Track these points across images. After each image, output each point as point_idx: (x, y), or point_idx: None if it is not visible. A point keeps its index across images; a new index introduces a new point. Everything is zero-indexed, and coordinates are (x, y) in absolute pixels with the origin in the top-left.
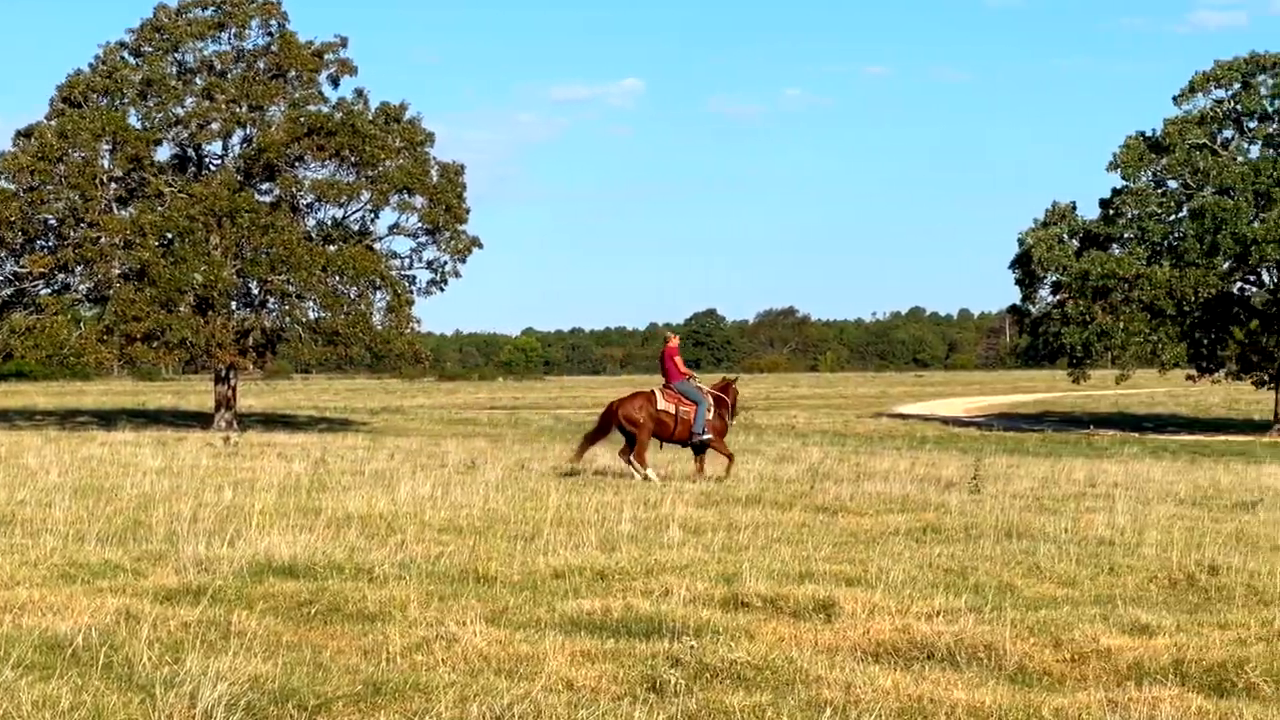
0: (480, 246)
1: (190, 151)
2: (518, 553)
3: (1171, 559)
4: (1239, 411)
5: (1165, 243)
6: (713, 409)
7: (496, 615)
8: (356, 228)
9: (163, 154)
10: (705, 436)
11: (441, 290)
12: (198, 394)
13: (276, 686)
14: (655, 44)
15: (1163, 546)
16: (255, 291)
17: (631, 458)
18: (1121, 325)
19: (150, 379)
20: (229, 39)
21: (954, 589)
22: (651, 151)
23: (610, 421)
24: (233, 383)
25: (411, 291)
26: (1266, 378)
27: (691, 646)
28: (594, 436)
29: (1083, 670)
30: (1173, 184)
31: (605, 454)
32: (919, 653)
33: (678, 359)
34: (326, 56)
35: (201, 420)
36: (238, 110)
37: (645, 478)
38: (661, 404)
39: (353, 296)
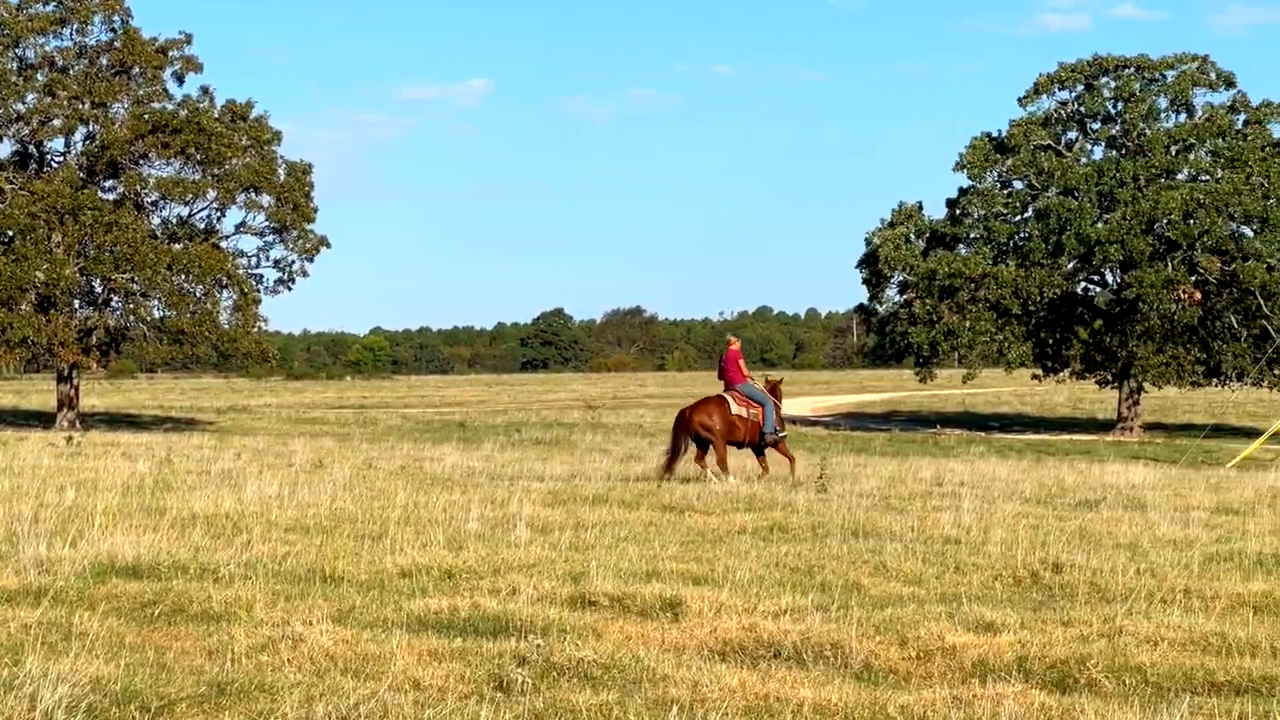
0: (328, 246)
1: (31, 148)
2: (365, 552)
3: (1016, 557)
4: (1083, 410)
5: (1011, 243)
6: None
7: (343, 615)
8: (202, 226)
9: (3, 151)
10: (780, 435)
11: (289, 289)
12: (40, 393)
13: (119, 688)
14: (503, 44)
15: (1008, 545)
16: (99, 290)
17: (712, 465)
18: (968, 325)
19: None
20: (71, 35)
21: (801, 588)
22: (500, 151)
23: (684, 431)
24: (75, 382)
25: (258, 290)
26: (1110, 377)
27: (538, 645)
28: (675, 449)
29: (928, 668)
30: (1018, 184)
31: (454, 453)
32: (766, 651)
33: (741, 362)
34: (171, 53)
35: (43, 420)
36: (80, 107)
37: (725, 483)
38: (734, 409)
39: (199, 295)
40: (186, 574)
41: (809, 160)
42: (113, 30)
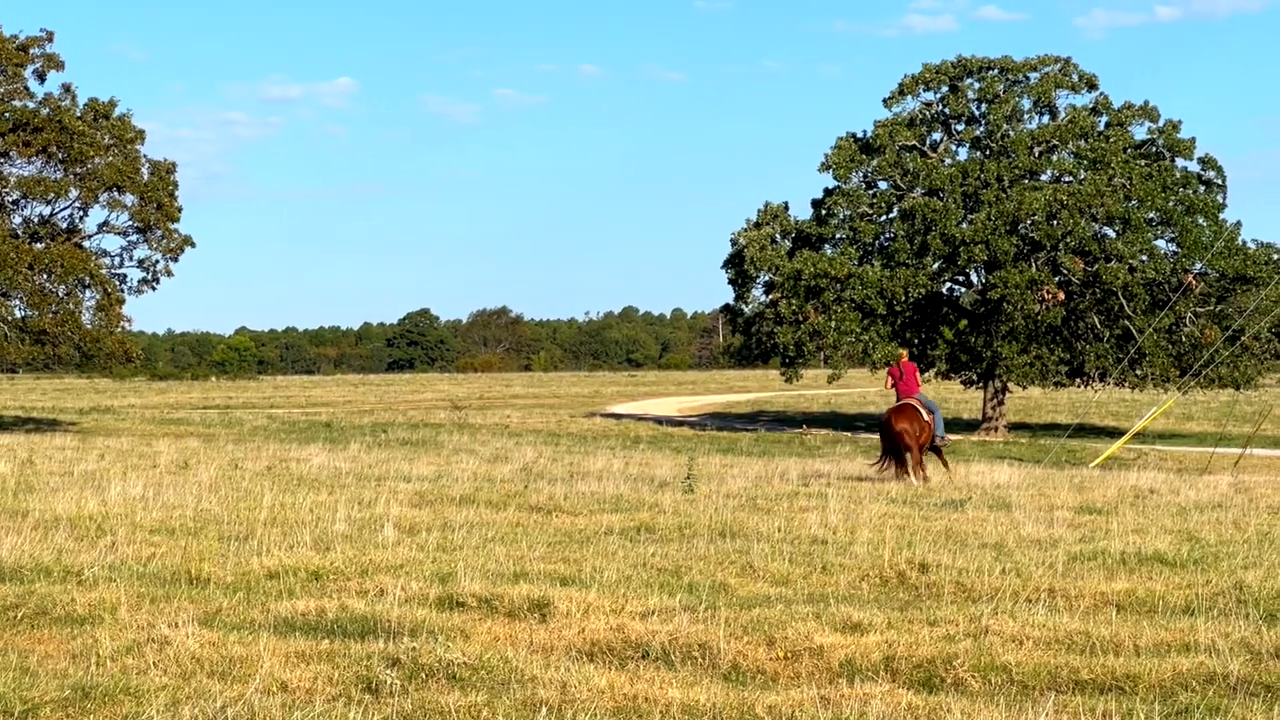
0: (193, 245)
1: None
2: (231, 554)
3: (883, 557)
4: (948, 410)
5: (876, 243)
6: None
7: (210, 617)
8: (65, 225)
9: None
10: (945, 438)
11: (153, 289)
12: None
13: None
14: (368, 44)
15: (874, 545)
16: None
17: (911, 467)
18: (833, 325)
19: None
20: None
21: (668, 588)
22: (365, 151)
23: (891, 433)
24: None
25: (122, 290)
26: (975, 377)
27: (407, 647)
28: (895, 452)
29: (796, 668)
30: (883, 185)
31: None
32: (634, 652)
33: (917, 373)
34: (32, 51)
35: None
36: None
37: (920, 484)
38: (924, 415)
39: (61, 295)
40: (50, 577)
41: (676, 160)
42: None
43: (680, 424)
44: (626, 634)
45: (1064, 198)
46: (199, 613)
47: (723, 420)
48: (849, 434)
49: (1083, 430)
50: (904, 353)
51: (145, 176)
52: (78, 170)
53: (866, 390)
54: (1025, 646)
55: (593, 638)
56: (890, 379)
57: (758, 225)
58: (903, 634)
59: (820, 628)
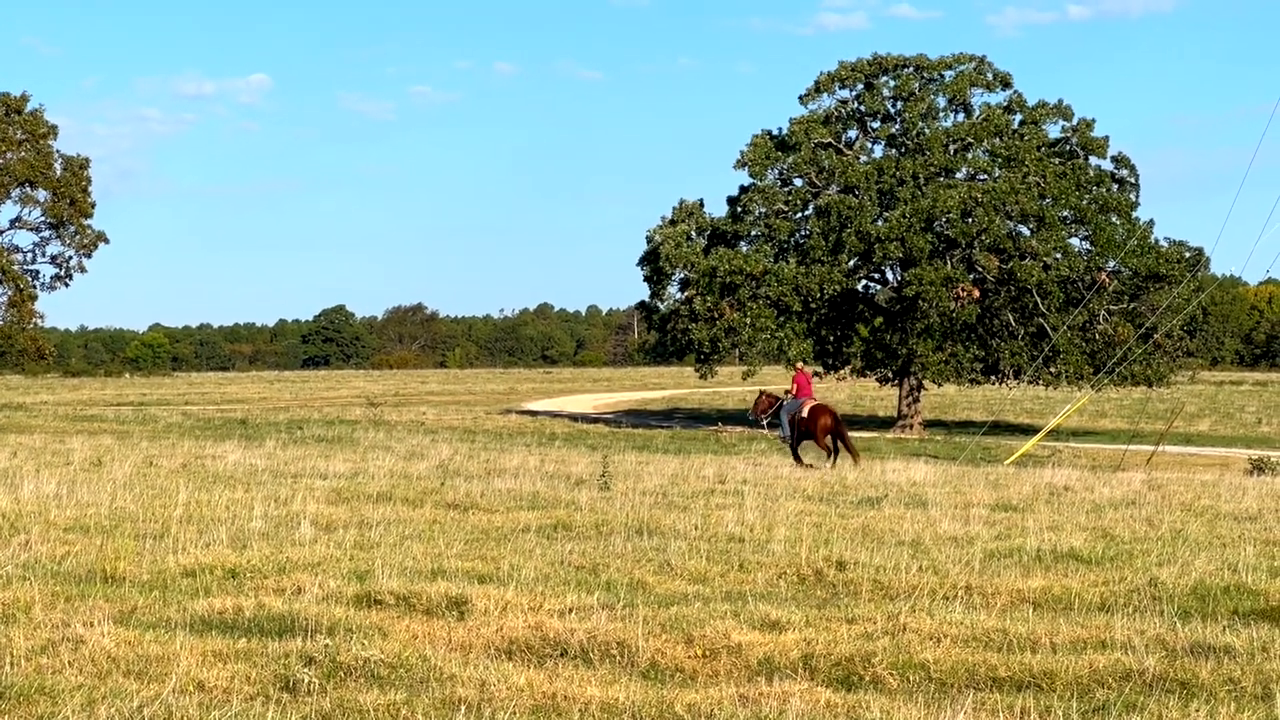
0: (106, 241)
1: None
2: (147, 551)
3: (800, 555)
4: (864, 408)
5: (792, 240)
6: None
7: (125, 616)
8: None
9: None
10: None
11: (66, 285)
12: None
13: None
14: (283, 40)
15: (791, 543)
16: None
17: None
18: (748, 322)
19: None
20: None
21: (586, 586)
22: (280, 147)
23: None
24: None
25: (35, 286)
26: (890, 374)
27: (325, 645)
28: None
29: (714, 666)
30: (799, 182)
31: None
32: (552, 650)
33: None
34: None
35: None
36: None
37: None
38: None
39: None
40: None
41: (591, 157)
42: None
43: (596, 421)
44: (545, 632)
45: (979, 195)
46: (114, 611)
47: (638, 417)
48: (764, 431)
49: (998, 427)
50: (802, 367)
51: (58, 172)
52: None
53: (782, 387)
54: (943, 644)
55: (511, 636)
56: (795, 385)
57: (673, 222)
58: (821, 632)
59: (738, 626)
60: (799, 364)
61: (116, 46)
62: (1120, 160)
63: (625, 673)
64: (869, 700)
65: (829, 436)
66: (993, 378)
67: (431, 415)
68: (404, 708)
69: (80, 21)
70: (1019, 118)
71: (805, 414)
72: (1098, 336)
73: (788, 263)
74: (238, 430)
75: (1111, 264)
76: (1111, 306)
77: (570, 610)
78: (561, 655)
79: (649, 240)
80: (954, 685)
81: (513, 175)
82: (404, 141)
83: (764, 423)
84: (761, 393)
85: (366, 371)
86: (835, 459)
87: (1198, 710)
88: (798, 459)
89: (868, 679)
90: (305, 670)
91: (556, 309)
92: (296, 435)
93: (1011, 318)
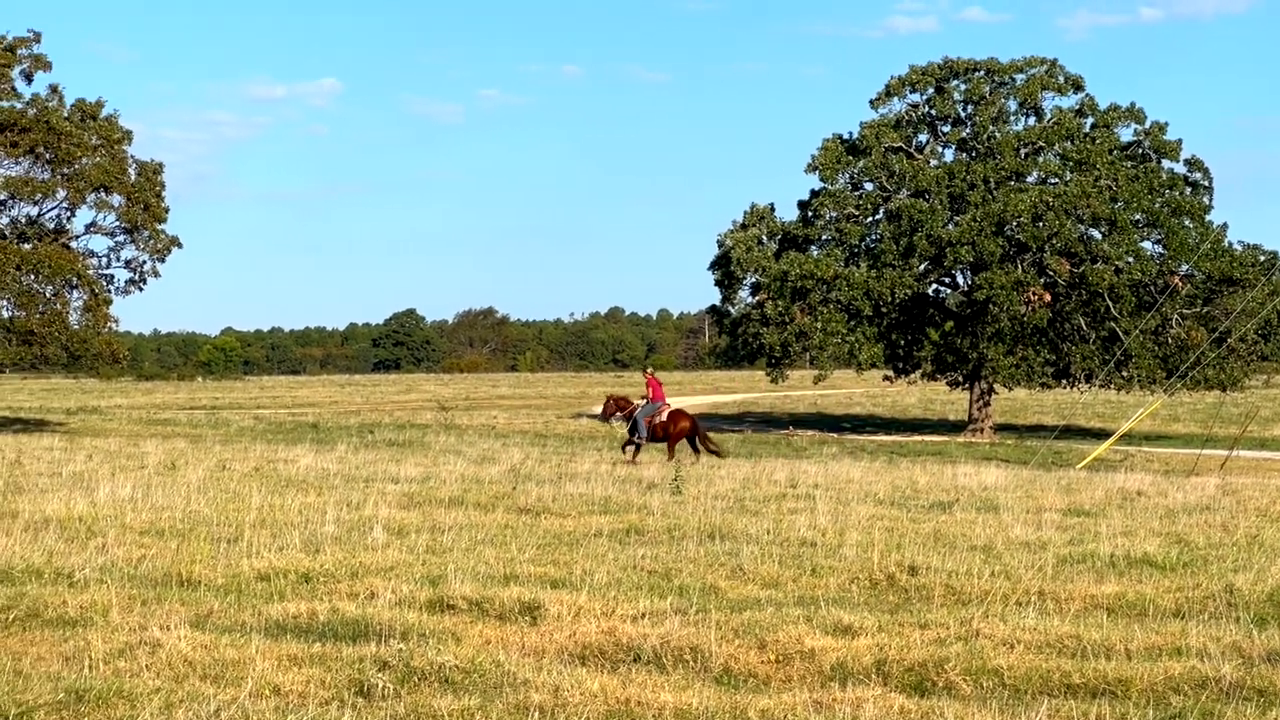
0: (179, 246)
1: None
2: (221, 555)
3: (872, 559)
4: (934, 412)
5: (862, 244)
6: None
7: (201, 619)
8: (52, 226)
9: None
10: (643, 438)
11: (140, 290)
12: None
13: None
14: (353, 44)
15: (863, 547)
16: None
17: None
18: (819, 326)
19: None
20: None
21: (659, 591)
22: (350, 151)
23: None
24: None
25: (109, 291)
26: (960, 378)
27: (399, 650)
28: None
29: (788, 671)
30: (869, 186)
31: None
32: (625, 655)
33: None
34: (19, 52)
35: None
36: None
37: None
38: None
39: (48, 295)
40: (41, 578)
41: (661, 161)
42: None
43: None
44: (618, 637)
45: (1050, 199)
46: (190, 615)
47: (709, 421)
48: (835, 435)
49: (1069, 432)
50: (652, 369)
51: (132, 177)
52: (65, 171)
53: (852, 391)
54: (1016, 650)
55: (584, 641)
56: (650, 390)
57: (744, 227)
58: (894, 637)
59: (811, 631)
60: (648, 370)
61: (188, 51)
62: (1193, 163)
63: (698, 678)
64: (943, 707)
65: (686, 439)
66: (1064, 382)
67: (502, 419)
68: (478, 713)
69: (153, 27)
70: (1090, 121)
71: (664, 418)
72: (1170, 340)
73: (858, 267)
74: (309, 434)
75: (1184, 267)
76: (1184, 310)
77: (643, 615)
78: (635, 661)
79: (720, 244)
80: (1028, 692)
81: (582, 178)
82: (472, 144)
83: (612, 422)
84: (609, 397)
85: (437, 375)
86: (698, 456)
87: (1275, 718)
88: (629, 452)
89: (941, 685)
90: (379, 675)
91: (627, 313)
92: (368, 439)
93: (1083, 321)
